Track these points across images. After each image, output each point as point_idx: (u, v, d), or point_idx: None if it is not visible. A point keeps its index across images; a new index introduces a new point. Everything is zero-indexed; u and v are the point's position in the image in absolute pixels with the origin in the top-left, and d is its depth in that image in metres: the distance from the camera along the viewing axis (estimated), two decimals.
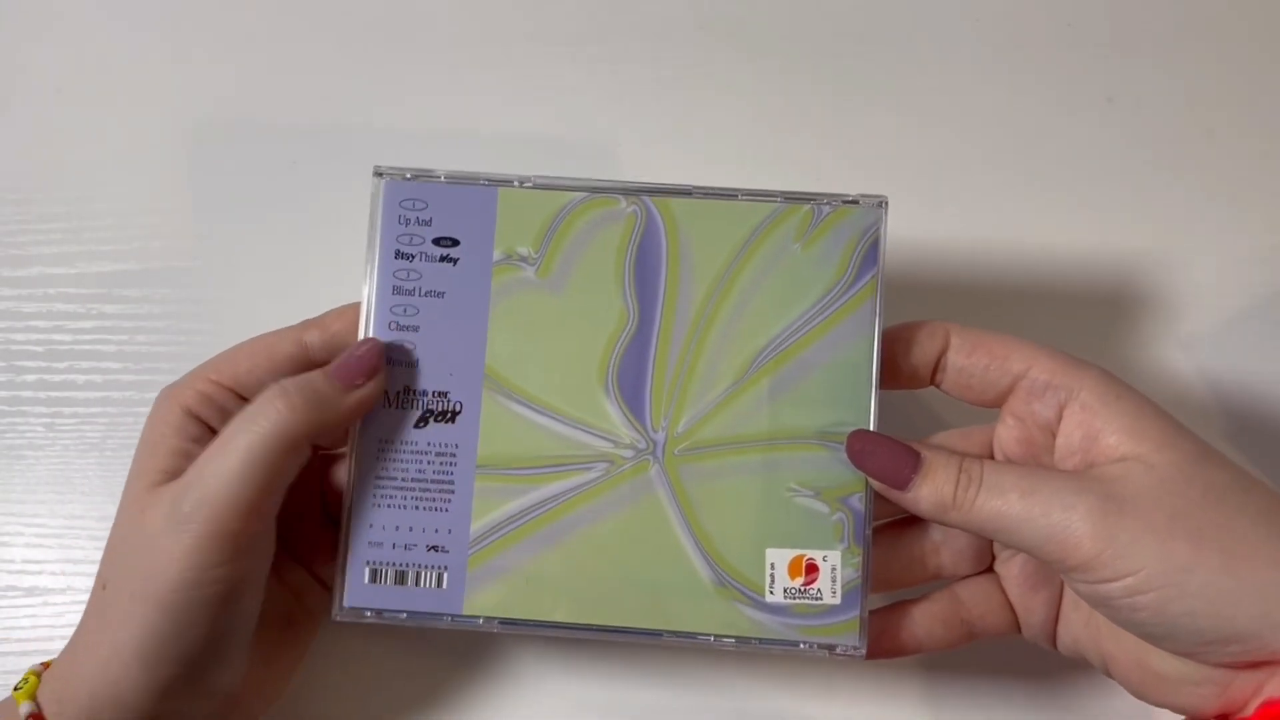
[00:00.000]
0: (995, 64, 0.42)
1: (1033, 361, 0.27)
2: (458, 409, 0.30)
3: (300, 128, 0.42)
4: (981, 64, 0.42)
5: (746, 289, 0.30)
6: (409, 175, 0.31)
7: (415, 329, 0.30)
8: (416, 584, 0.30)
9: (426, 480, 0.30)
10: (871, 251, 0.30)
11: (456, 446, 0.30)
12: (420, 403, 0.30)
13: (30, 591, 0.37)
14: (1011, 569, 0.30)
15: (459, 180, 0.31)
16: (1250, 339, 0.38)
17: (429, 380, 0.30)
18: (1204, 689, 0.25)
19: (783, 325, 0.30)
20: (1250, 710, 0.24)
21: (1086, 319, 0.38)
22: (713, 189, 0.31)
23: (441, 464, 0.30)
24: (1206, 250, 0.38)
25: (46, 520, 0.38)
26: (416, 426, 0.30)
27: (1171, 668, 0.25)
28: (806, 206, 0.30)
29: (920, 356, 0.29)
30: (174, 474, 0.28)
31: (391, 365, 0.30)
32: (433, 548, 0.29)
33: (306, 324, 0.31)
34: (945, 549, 0.30)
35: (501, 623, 0.29)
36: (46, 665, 0.29)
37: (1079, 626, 0.29)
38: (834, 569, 0.29)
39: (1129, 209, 0.39)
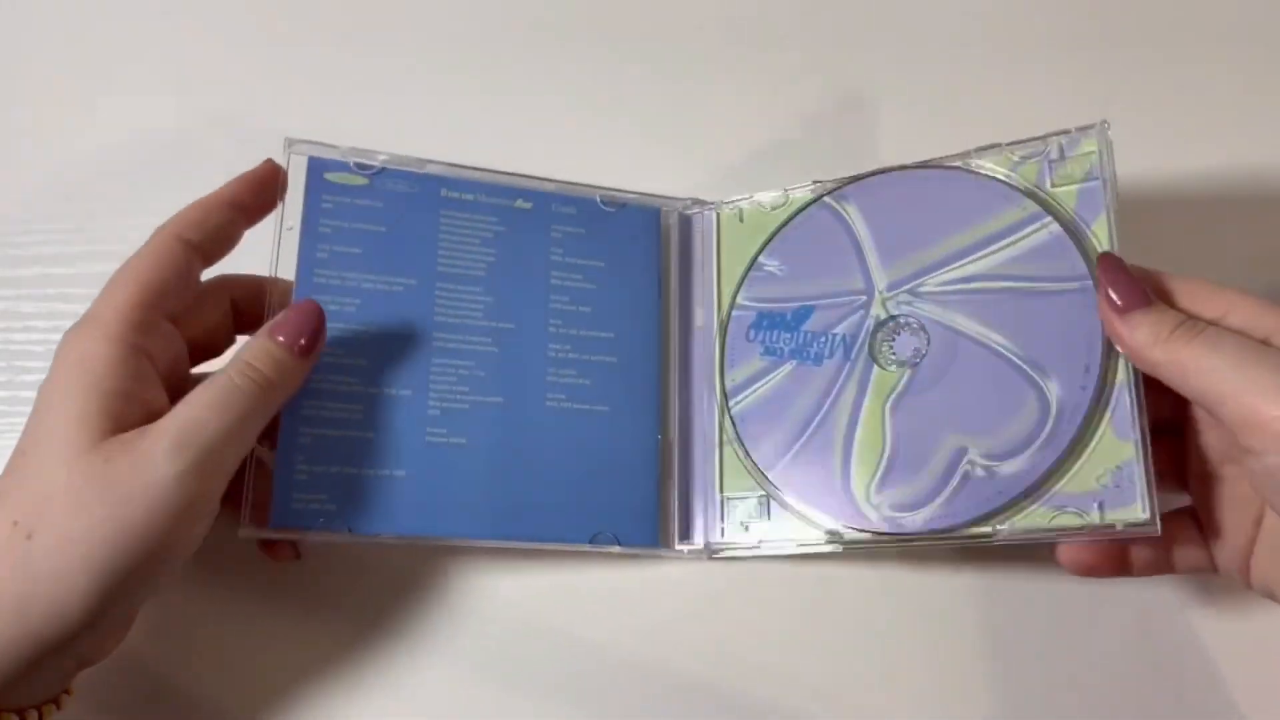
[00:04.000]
0: (995, 63, 0.44)
1: (1229, 307, 0.30)
2: None
3: (300, 128, 0.42)
4: (981, 63, 0.44)
5: None
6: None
7: None
8: None
9: None
10: None
11: None
12: None
13: None
14: (1211, 490, 0.32)
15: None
16: None
17: None
18: None
19: None
20: None
21: None
22: None
23: None
24: (1207, 250, 0.39)
25: None
26: None
27: None
28: None
29: None
30: (119, 418, 0.30)
31: None
32: None
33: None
34: None
35: None
36: None
37: (1270, 561, 0.30)
38: None
39: (1127, 210, 0.38)
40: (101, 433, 0.29)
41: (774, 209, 0.39)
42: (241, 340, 0.37)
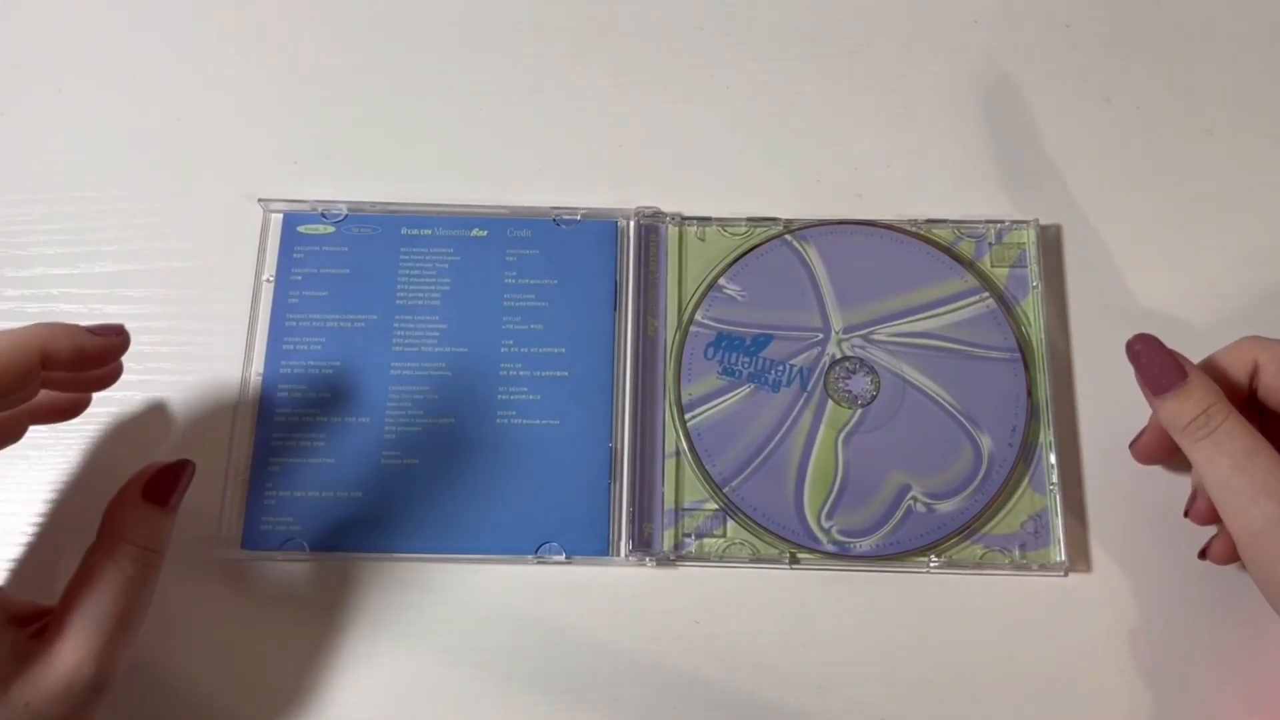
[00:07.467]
0: (994, 64, 0.46)
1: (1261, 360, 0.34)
2: None
3: (301, 125, 0.45)
4: (981, 64, 0.46)
5: None
6: None
7: None
8: None
9: None
10: None
11: None
12: None
13: None
14: None
15: None
16: None
17: None
18: None
19: None
20: None
21: None
22: None
23: None
24: (1205, 250, 0.43)
25: (50, 520, 0.40)
26: None
27: None
28: None
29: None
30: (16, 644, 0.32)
31: None
32: None
33: None
34: None
35: None
36: None
37: None
38: None
39: (1128, 209, 0.44)
40: (7, 675, 0.31)
41: (735, 235, 0.42)
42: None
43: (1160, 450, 0.38)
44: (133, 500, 0.34)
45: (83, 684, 0.31)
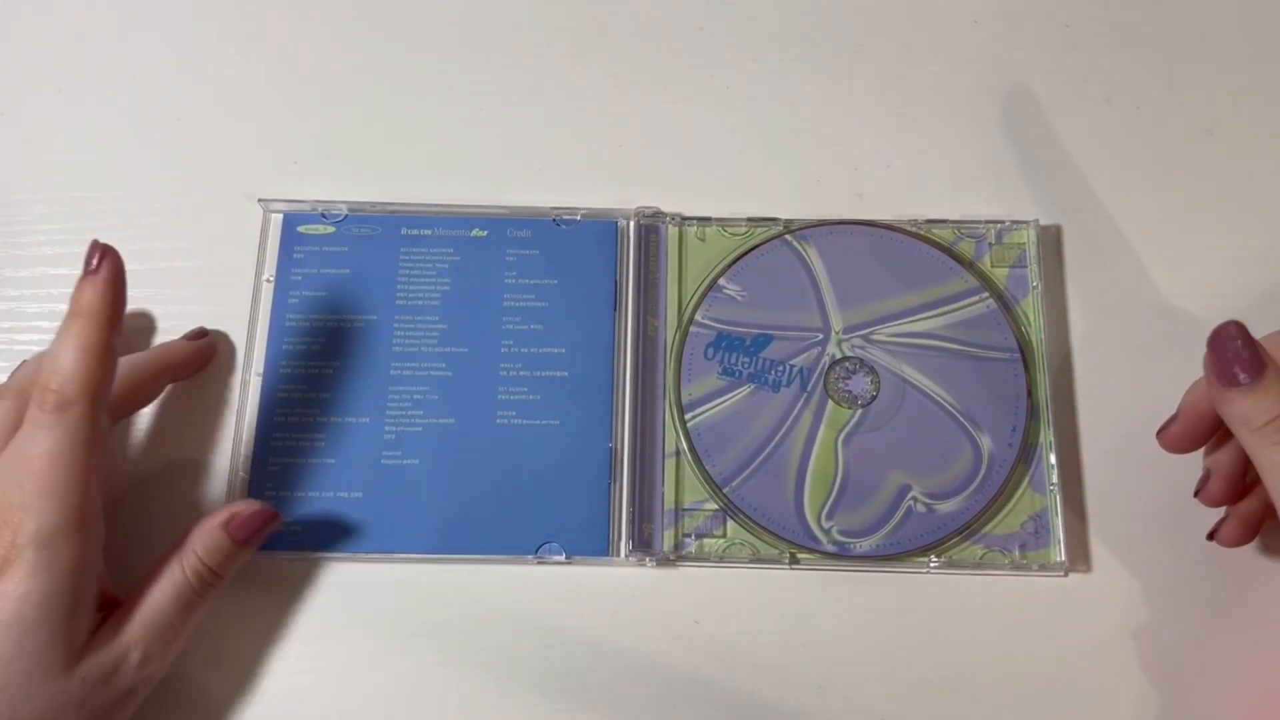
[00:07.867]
0: (994, 65, 0.47)
1: None
2: None
3: (301, 125, 0.46)
4: (980, 64, 0.47)
5: None
6: None
7: None
8: None
9: None
10: None
11: None
12: None
13: None
14: None
15: None
16: None
17: None
18: None
19: None
20: None
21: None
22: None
23: None
24: (1204, 250, 0.43)
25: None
26: None
27: None
28: None
29: None
30: (90, 625, 0.34)
31: None
32: None
33: None
34: None
35: None
36: None
37: None
38: None
39: (1128, 209, 0.44)
40: (75, 650, 0.33)
41: (735, 235, 0.42)
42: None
43: (1193, 440, 0.37)
44: (215, 524, 0.36)
45: (130, 668, 0.34)
